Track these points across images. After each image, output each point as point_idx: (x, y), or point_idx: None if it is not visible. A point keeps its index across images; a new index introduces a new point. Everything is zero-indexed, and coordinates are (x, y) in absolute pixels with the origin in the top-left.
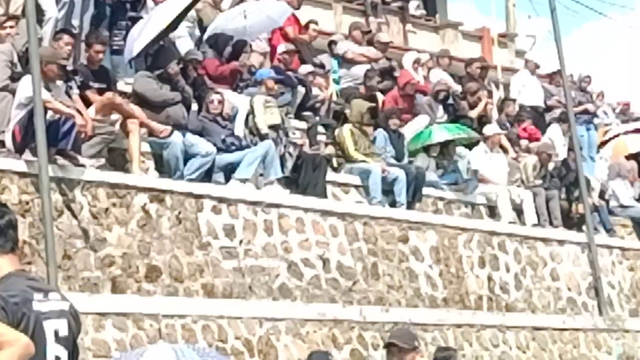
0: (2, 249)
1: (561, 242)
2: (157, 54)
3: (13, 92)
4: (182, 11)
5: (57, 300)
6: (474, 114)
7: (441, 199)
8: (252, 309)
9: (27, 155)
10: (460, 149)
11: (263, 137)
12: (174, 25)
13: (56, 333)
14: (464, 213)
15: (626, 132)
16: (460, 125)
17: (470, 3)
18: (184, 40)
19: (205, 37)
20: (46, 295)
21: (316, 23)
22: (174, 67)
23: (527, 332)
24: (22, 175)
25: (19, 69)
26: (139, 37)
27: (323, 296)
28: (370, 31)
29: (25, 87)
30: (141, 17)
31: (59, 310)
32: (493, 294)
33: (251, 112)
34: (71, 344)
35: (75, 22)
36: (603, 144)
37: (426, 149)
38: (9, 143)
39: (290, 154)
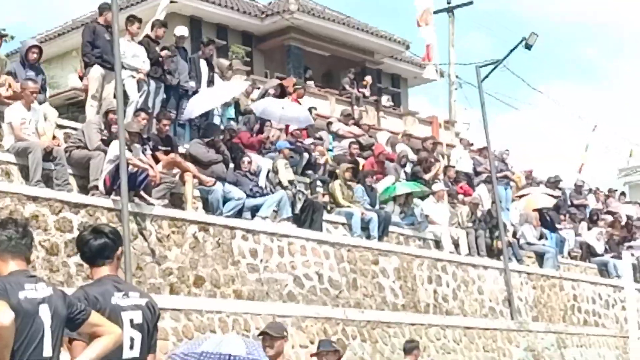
0: (101, 261)
1: (485, 267)
2: (207, 127)
3: (104, 151)
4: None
5: (136, 297)
6: (427, 176)
7: (402, 234)
8: (268, 308)
9: (114, 196)
10: (416, 200)
11: (284, 188)
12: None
13: (131, 321)
14: (418, 245)
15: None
16: (417, 183)
17: (424, 98)
18: (218, 118)
19: (250, 116)
20: (126, 294)
21: (315, 109)
22: (217, 137)
23: (460, 330)
24: (109, 210)
25: (105, 132)
26: (197, 105)
27: (318, 301)
28: (354, 116)
29: (114, 148)
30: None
31: (135, 304)
32: (437, 302)
33: (273, 170)
34: (145, 329)
35: (150, 103)
36: (517, 198)
37: (393, 199)
38: (101, 187)
39: (298, 199)
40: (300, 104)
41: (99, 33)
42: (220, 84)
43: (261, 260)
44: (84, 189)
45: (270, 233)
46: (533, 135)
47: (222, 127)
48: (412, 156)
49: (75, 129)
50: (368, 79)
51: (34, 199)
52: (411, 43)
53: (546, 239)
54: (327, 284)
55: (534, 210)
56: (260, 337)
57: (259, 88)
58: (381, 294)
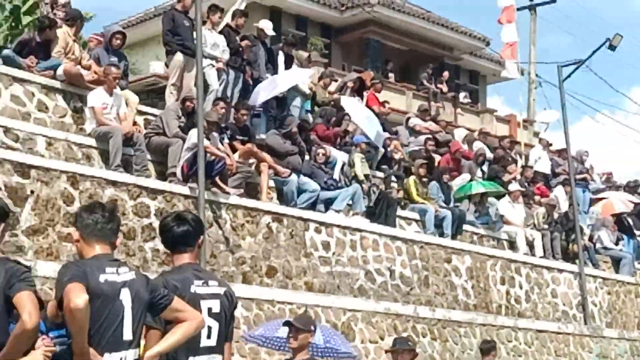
0: (182, 248)
1: (560, 271)
2: (283, 118)
3: (183, 139)
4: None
5: (215, 286)
6: (504, 176)
7: (476, 233)
8: (338, 301)
9: (191, 183)
10: (491, 199)
11: (360, 182)
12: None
13: (209, 310)
14: (491, 245)
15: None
16: (493, 182)
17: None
18: (295, 109)
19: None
20: (205, 282)
21: (388, 102)
22: (294, 129)
23: (532, 332)
24: (186, 197)
25: (182, 119)
26: (261, 93)
27: (389, 296)
28: (430, 112)
29: (192, 136)
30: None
31: (213, 293)
32: (509, 304)
33: (349, 164)
34: (223, 318)
35: (228, 93)
36: (594, 202)
37: (468, 198)
38: (179, 174)
39: (373, 194)
40: (377, 99)
41: (178, 20)
42: (284, 72)
43: (333, 254)
44: (162, 175)
45: (343, 226)
46: (614, 139)
47: (298, 119)
48: (489, 154)
49: (155, 115)
50: (446, 74)
51: (113, 183)
52: (491, 40)
53: (623, 244)
54: (399, 280)
55: (612, 215)
56: (286, 327)
57: (336, 80)
58: (453, 293)
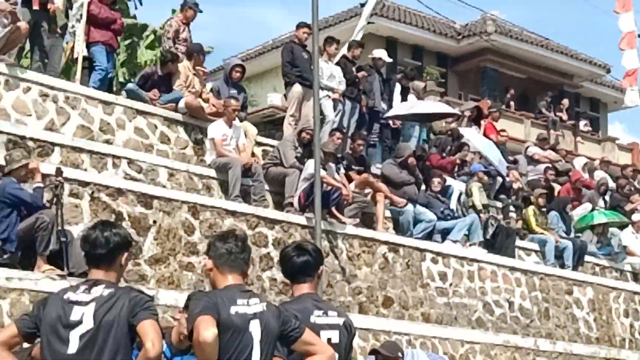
0: (302, 278)
1: None
2: (399, 148)
3: (299, 169)
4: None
5: (334, 317)
6: (627, 206)
7: (598, 265)
8: (456, 333)
9: (308, 213)
10: (614, 230)
11: (478, 211)
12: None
13: (329, 340)
14: (614, 276)
15: None
16: (615, 212)
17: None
18: (413, 139)
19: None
20: (325, 313)
21: (505, 131)
22: (410, 159)
23: None
24: (303, 227)
25: (299, 150)
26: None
27: (508, 329)
28: (550, 141)
29: (309, 166)
30: None
31: (333, 324)
32: (634, 337)
33: (466, 193)
34: (341, 348)
35: (345, 123)
36: None
37: (590, 228)
38: (296, 204)
39: (491, 224)
40: (495, 128)
41: (296, 52)
42: (427, 102)
43: (450, 284)
44: (279, 205)
45: (460, 257)
46: None
47: (413, 148)
48: (611, 184)
49: (272, 146)
50: (565, 102)
51: (232, 213)
52: (612, 67)
53: None
54: (518, 312)
55: None
56: (372, 356)
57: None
58: (574, 326)
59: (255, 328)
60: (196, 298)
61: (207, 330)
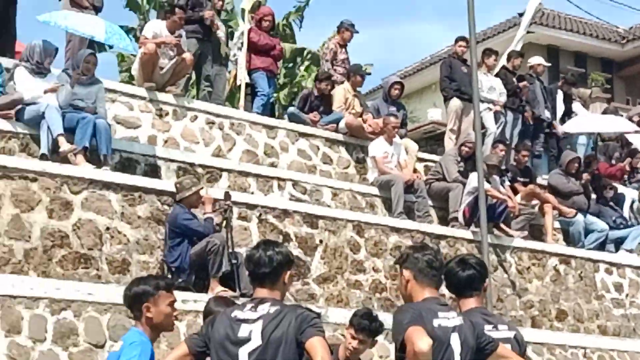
0: (469, 292)
1: None
2: (565, 157)
3: (463, 183)
4: None
5: (504, 330)
6: None
7: None
8: (635, 345)
9: (473, 227)
10: None
11: None
12: None
13: None
14: None
15: None
16: None
17: None
18: (581, 147)
19: None
20: (495, 326)
21: None
22: (576, 166)
23: None
24: (469, 241)
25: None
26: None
27: None
28: None
29: (472, 180)
30: None
31: (503, 338)
32: None
33: (639, 200)
34: None
35: (507, 134)
36: None
37: None
38: (460, 219)
39: None
40: None
41: (455, 67)
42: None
43: (627, 295)
44: (444, 220)
45: (635, 267)
46: None
47: (580, 157)
48: None
49: (434, 161)
50: None
51: (397, 230)
52: None
53: None
54: None
55: None
56: None
57: (621, 116)
58: None
59: (455, 341)
60: (401, 310)
61: (421, 340)
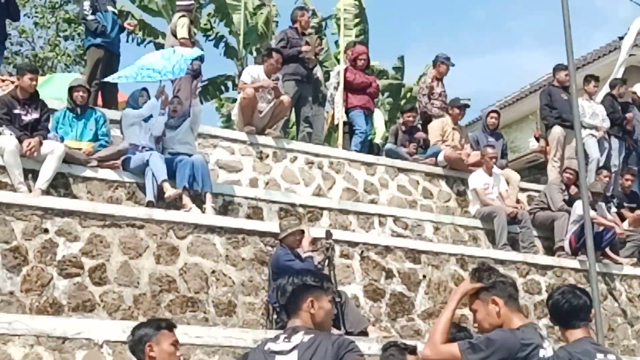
0: (577, 322)
1: None
2: None
3: (568, 212)
4: None
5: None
6: None
7: None
8: None
9: (580, 256)
10: None
11: None
12: None
13: None
14: None
15: None
16: None
17: None
18: None
19: None
20: (605, 355)
21: None
22: None
23: None
24: (576, 270)
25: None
26: None
27: None
28: None
29: (577, 208)
30: None
31: None
32: None
33: None
34: None
35: (612, 161)
36: None
37: None
38: (567, 248)
39: None
40: None
41: (555, 94)
42: None
43: None
44: (550, 250)
45: None
46: None
47: None
48: None
49: (537, 191)
50: None
51: (502, 262)
52: None
53: None
54: None
55: None
56: None
57: None
58: None
59: None
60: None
61: None
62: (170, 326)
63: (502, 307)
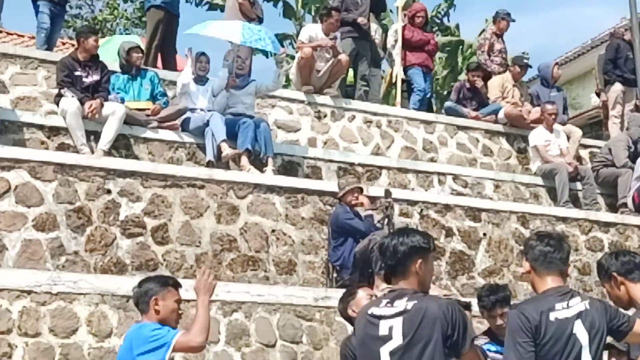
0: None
1: None
2: None
3: (632, 168)
4: None
5: None
6: None
7: None
8: None
9: None
10: None
11: None
12: None
13: None
14: None
15: None
16: None
17: None
18: None
19: None
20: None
21: None
22: None
23: None
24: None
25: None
26: None
27: None
28: None
29: None
30: None
31: None
32: None
33: None
34: None
35: None
36: None
37: None
38: (630, 205)
39: None
40: None
41: (621, 50)
42: None
43: None
44: (613, 207)
45: None
46: None
47: None
48: None
49: (599, 147)
50: None
51: (564, 219)
52: None
53: None
54: None
55: None
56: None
57: None
58: None
59: (579, 329)
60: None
61: None
62: (176, 284)
63: (530, 270)
